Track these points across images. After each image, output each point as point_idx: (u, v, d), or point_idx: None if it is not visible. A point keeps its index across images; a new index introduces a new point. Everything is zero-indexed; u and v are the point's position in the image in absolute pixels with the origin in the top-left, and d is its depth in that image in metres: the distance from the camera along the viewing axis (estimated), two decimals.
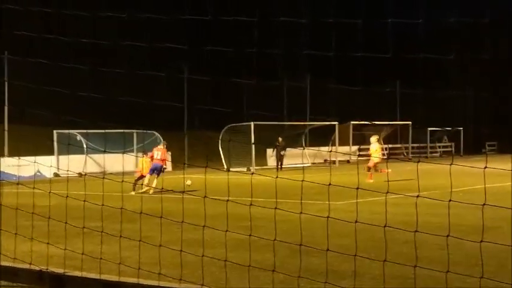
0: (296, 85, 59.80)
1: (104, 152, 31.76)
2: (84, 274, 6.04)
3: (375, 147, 33.21)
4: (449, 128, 66.67)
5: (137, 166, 30.00)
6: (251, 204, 5.96)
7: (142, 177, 27.91)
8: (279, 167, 43.63)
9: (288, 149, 46.08)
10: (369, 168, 31.60)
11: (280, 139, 44.88)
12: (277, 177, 5.73)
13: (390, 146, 63.29)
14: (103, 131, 34.65)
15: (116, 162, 37.43)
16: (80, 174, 29.34)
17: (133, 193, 25.35)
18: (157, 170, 27.69)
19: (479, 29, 57.08)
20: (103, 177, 7.13)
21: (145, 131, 43.57)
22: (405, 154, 62.22)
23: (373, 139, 33.96)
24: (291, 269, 9.13)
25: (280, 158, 44.54)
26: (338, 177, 31.81)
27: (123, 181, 7.36)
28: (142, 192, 25.45)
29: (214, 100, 53.25)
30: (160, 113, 46.29)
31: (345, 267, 10.20)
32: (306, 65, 60.43)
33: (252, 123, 44.42)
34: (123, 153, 31.70)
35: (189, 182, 25.08)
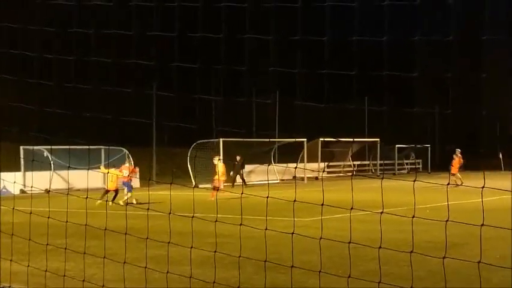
0: (265, 102, 59.92)
1: (69, 168, 31.52)
2: None
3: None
4: (417, 145, 67.15)
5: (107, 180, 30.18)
6: (216, 221, 5.94)
7: (108, 191, 28.43)
8: (243, 183, 43.36)
9: (247, 166, 46.37)
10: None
11: (238, 157, 44.56)
12: (242, 193, 5.72)
13: (358, 162, 63.59)
14: (70, 147, 34.38)
15: (83, 178, 37.13)
16: (47, 191, 29.08)
17: (99, 202, 24.85)
18: (129, 187, 28.51)
19: (445, 47, 57.78)
20: (67, 194, 7.07)
21: (113, 147, 43.30)
22: (373, 171, 62.54)
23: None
24: (258, 285, 9.12)
25: (241, 176, 44.31)
26: (306, 194, 31.78)
27: (87, 197, 7.30)
28: (126, 204, 25.75)
29: (183, 117, 53.14)
30: (129, 129, 46.07)
31: (311, 284, 10.19)
32: (275, 82, 60.60)
33: (220, 140, 44.37)
34: (88, 169, 31.53)
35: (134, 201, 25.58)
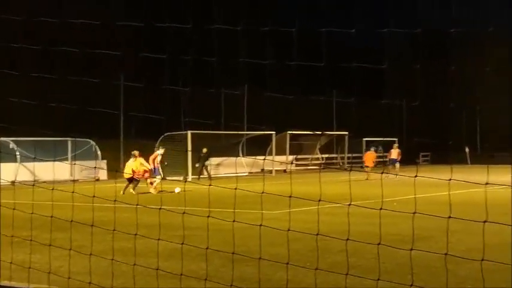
0: (233, 93, 59.83)
1: (34, 159, 31.31)
2: (13, 284, 5.90)
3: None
4: (385, 139, 67.53)
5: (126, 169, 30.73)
6: (184, 213, 5.89)
7: (132, 179, 29.52)
8: (208, 176, 43.23)
9: (215, 158, 46.48)
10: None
11: (204, 150, 44.39)
12: (210, 185, 5.68)
13: (326, 155, 63.79)
14: (36, 138, 34.04)
15: (49, 170, 36.81)
16: (12, 183, 28.82)
17: (133, 192, 27.89)
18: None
19: (414, 40, 58.13)
20: (33, 185, 6.97)
21: (80, 139, 42.97)
22: (341, 164, 62.78)
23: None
24: (226, 278, 9.08)
25: (206, 168, 44.16)
26: (274, 186, 31.88)
27: (53, 189, 7.21)
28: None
29: (151, 109, 52.87)
30: (96, 121, 45.73)
31: (279, 276, 10.17)
32: (244, 74, 60.52)
33: (189, 132, 44.22)
34: (54, 161, 31.32)
35: (178, 190, 27.13)
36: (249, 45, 52.25)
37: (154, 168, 31.44)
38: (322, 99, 59.16)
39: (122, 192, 27.76)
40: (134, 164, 30.41)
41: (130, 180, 29.62)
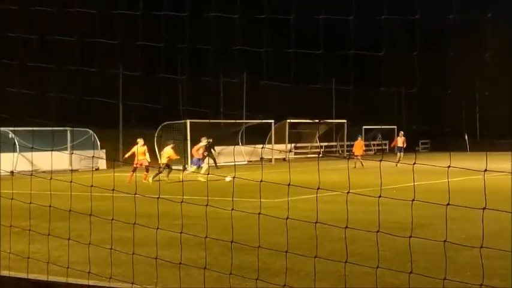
0: (232, 82, 59.77)
1: (32, 149, 31.45)
2: (12, 274, 5.90)
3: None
4: (384, 126, 67.59)
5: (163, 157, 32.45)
6: (182, 202, 5.89)
7: (168, 166, 31.23)
8: (215, 165, 43.58)
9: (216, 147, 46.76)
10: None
11: (209, 140, 44.69)
12: (208, 173, 5.66)
13: (325, 144, 63.84)
14: (35, 128, 34.01)
15: (49, 160, 36.81)
16: (11, 173, 28.88)
17: (166, 178, 29.18)
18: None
19: (412, 27, 57.95)
20: (31, 175, 6.96)
21: (79, 129, 42.96)
22: (340, 152, 62.83)
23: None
24: (225, 266, 9.10)
25: (212, 157, 44.33)
26: (274, 175, 31.80)
27: (51, 179, 7.20)
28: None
29: (150, 98, 52.79)
30: (96, 110, 45.73)
31: (279, 264, 10.19)
32: (243, 62, 60.43)
33: (187, 121, 44.21)
34: (52, 151, 31.46)
35: (228, 179, 27.17)
36: (247, 33, 52.13)
37: (199, 159, 32.69)
38: (319, 87, 59.04)
39: (150, 179, 29.52)
40: (171, 152, 31.89)
41: (168, 166, 31.11)
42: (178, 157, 32.41)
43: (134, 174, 29.43)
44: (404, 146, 47.15)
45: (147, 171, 31.32)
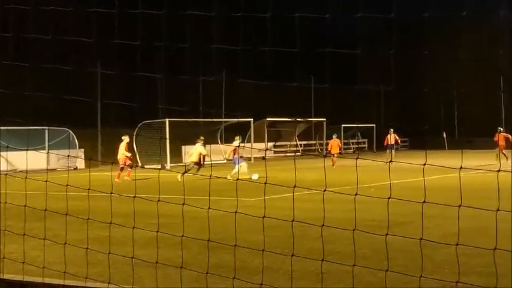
0: (211, 80, 59.69)
1: (7, 148, 31.34)
2: None
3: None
4: (362, 125, 67.85)
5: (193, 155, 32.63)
6: (159, 201, 5.86)
7: (199, 164, 31.82)
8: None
9: (192, 146, 46.95)
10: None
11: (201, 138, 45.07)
12: (184, 172, 5.65)
13: (305, 142, 63.94)
14: (12, 128, 33.82)
15: (28, 159, 36.58)
16: None
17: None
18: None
19: (388, 25, 58.17)
20: (6, 175, 6.90)
21: (57, 128, 42.74)
22: (319, 151, 62.95)
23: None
24: (203, 265, 9.06)
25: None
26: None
27: (26, 178, 7.14)
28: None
29: (129, 96, 52.61)
30: (74, 109, 45.47)
31: (257, 263, 10.19)
32: (221, 61, 60.36)
33: (166, 120, 44.12)
34: (28, 150, 31.37)
35: (255, 176, 28.21)
36: (224, 31, 52.00)
37: (240, 157, 32.62)
38: (297, 85, 59.13)
39: (179, 177, 29.05)
40: (201, 149, 32.43)
41: (198, 164, 31.68)
42: (206, 154, 32.79)
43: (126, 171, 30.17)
44: (398, 142, 47.62)
45: (131, 167, 31.67)
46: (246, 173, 30.07)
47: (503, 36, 61.47)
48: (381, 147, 49.97)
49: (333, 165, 39.46)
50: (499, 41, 62.79)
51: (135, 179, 28.49)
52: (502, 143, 40.62)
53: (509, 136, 40.59)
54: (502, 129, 42.04)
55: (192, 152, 32.83)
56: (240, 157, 32.72)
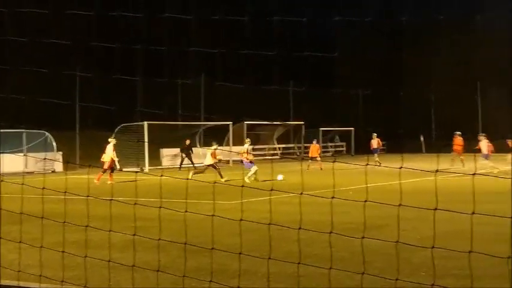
0: (190, 84, 59.63)
1: None
2: None
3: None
4: (341, 128, 68.04)
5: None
6: (135, 204, 5.85)
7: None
8: (180, 166, 44.59)
9: (172, 149, 47.33)
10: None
11: (187, 141, 45.80)
12: (162, 175, 5.65)
13: (283, 145, 63.98)
14: None
15: (3, 162, 36.35)
16: None
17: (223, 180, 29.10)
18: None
19: (364, 28, 58.43)
20: None
21: (35, 131, 42.50)
22: (298, 154, 63.03)
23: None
24: (181, 268, 9.05)
25: (189, 158, 45.27)
26: (231, 177, 31.87)
27: (1, 181, 7.11)
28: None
29: (107, 99, 52.42)
30: (52, 112, 45.20)
31: (236, 266, 10.18)
32: (201, 64, 60.29)
33: (145, 123, 44.03)
34: (2, 153, 31.22)
35: (280, 177, 29.68)
36: (203, 34, 51.97)
37: (250, 161, 32.97)
38: (274, 88, 59.25)
39: (222, 179, 29.68)
40: (214, 153, 32.67)
41: (213, 167, 32.26)
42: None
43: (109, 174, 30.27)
44: (380, 146, 47.79)
45: (113, 171, 31.63)
46: (250, 176, 30.38)
47: (481, 40, 61.92)
48: (363, 151, 50.08)
49: (321, 169, 39.84)
50: (477, 45, 63.27)
51: (111, 182, 28.36)
52: (457, 147, 40.74)
53: (462, 143, 40.62)
54: (459, 133, 42.16)
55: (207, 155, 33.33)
56: (250, 162, 32.90)
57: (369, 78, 67.59)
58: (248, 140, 35.45)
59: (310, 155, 43.99)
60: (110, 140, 32.80)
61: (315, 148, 44.54)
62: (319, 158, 42.60)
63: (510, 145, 37.38)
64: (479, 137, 38.05)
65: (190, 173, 31.08)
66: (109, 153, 31.92)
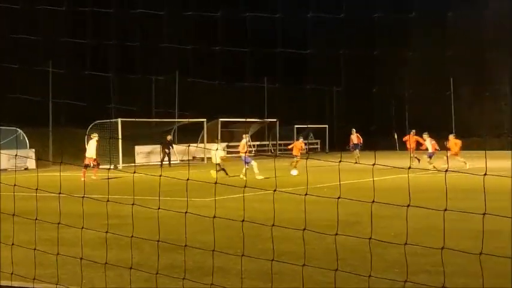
0: (164, 80, 59.44)
1: None
2: None
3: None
4: (315, 126, 68.20)
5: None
6: (108, 201, 5.82)
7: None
8: (168, 163, 44.90)
9: (146, 146, 47.64)
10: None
11: (168, 137, 46.03)
12: (134, 172, 5.64)
13: (258, 143, 64.02)
14: None
15: None
16: None
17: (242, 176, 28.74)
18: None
19: (339, 25, 58.50)
20: None
21: (7, 127, 42.13)
22: (272, 151, 63.11)
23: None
24: (156, 266, 9.02)
25: (168, 155, 45.44)
26: (206, 174, 31.84)
27: None
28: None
29: (80, 96, 52.06)
30: (24, 108, 44.81)
31: (210, 264, 10.17)
32: (174, 60, 60.07)
33: (119, 120, 43.86)
34: None
35: (295, 172, 31.42)
36: (175, 30, 51.76)
37: (245, 157, 32.52)
38: (248, 85, 59.17)
39: (243, 176, 29.08)
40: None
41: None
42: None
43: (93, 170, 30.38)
44: (361, 142, 47.38)
45: (98, 166, 31.88)
46: (257, 173, 30.29)
47: (453, 37, 62.29)
48: (338, 148, 50.08)
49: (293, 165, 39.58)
50: (449, 42, 63.65)
51: (84, 179, 28.19)
52: (412, 145, 40.59)
53: (420, 139, 40.46)
54: (414, 131, 42.19)
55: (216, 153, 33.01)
56: (248, 156, 32.89)
57: (342, 75, 67.72)
58: (246, 135, 35.70)
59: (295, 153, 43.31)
60: (92, 136, 32.80)
61: (298, 145, 43.93)
62: (298, 158, 42.18)
63: (448, 143, 37.27)
64: (424, 135, 38.33)
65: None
66: (93, 150, 32.01)
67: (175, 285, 8.80)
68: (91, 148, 32.24)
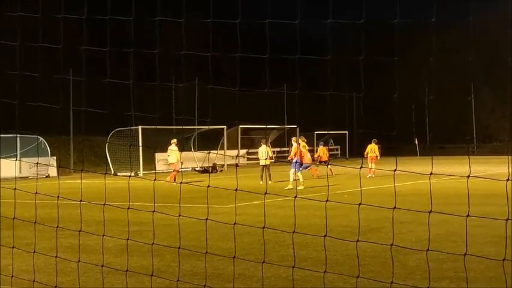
0: (184, 87, 59.60)
1: None
2: None
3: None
4: (335, 132, 68.04)
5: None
6: (128, 208, 5.84)
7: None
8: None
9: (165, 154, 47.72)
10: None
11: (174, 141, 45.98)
12: (155, 179, 5.64)
13: (278, 149, 63.96)
14: None
15: (5, 167, 36.27)
16: None
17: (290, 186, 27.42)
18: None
19: (358, 32, 58.39)
20: None
21: (29, 136, 42.42)
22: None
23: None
24: (176, 273, 9.03)
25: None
26: (226, 181, 31.85)
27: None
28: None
29: (101, 104, 52.31)
30: (46, 117, 45.10)
31: (230, 270, 10.16)
32: (195, 68, 60.23)
33: (139, 127, 44.00)
34: None
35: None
36: (195, 38, 51.95)
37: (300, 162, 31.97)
38: (267, 91, 59.13)
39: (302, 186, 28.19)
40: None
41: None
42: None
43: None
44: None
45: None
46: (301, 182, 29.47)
47: (473, 42, 61.97)
48: (357, 154, 49.83)
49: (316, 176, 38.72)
50: (470, 47, 63.32)
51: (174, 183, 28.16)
52: (371, 154, 40.01)
53: (377, 151, 40.02)
54: (376, 140, 41.70)
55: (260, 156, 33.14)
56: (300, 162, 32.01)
57: (362, 81, 67.46)
58: (294, 137, 35.30)
59: (321, 158, 42.44)
60: (172, 141, 33.35)
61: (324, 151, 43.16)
62: (323, 163, 41.47)
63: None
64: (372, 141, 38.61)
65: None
66: (176, 155, 32.53)
67: None
68: (175, 154, 32.76)
